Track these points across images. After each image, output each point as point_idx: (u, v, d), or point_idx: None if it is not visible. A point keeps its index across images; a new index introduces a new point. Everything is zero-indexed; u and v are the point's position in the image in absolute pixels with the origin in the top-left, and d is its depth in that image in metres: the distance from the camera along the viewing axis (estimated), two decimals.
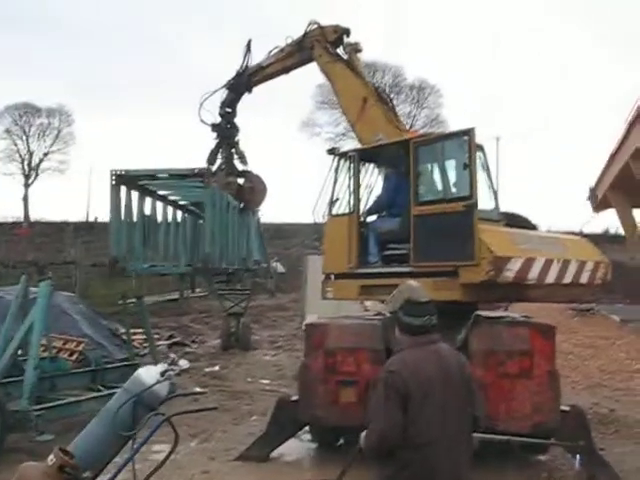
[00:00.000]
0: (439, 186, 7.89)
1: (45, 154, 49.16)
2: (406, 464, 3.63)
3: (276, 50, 10.13)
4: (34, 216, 45.62)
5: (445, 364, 3.77)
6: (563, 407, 7.28)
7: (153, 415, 4.50)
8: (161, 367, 4.71)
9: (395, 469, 3.68)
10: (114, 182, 11.05)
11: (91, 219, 43.25)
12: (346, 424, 7.42)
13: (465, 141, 7.45)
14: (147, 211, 11.88)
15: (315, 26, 9.58)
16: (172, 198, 12.51)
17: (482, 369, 7.06)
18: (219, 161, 10.65)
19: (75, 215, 43.18)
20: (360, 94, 8.90)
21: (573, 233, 21.56)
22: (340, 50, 9.48)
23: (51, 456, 4.19)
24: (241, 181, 10.75)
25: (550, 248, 7.58)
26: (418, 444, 3.59)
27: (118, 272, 11.51)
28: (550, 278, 7.27)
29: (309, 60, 9.82)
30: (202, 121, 10.33)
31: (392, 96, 38.29)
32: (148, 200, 11.87)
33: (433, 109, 45.93)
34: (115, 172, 11.02)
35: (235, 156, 10.63)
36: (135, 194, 11.48)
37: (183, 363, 4.29)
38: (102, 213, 44.11)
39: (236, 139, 10.66)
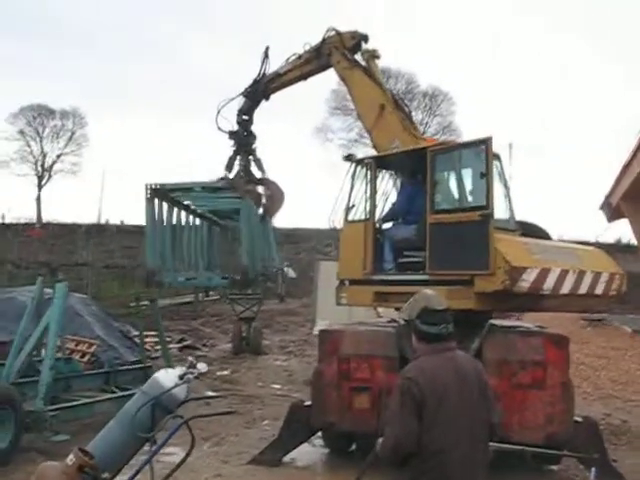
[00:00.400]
0: (455, 195, 7.92)
1: (58, 156, 49.33)
2: (422, 471, 3.62)
3: (293, 57, 10.16)
4: (46, 217, 45.86)
5: (462, 371, 3.78)
6: (576, 418, 7.28)
7: (171, 418, 4.54)
8: (179, 370, 4.73)
9: (411, 476, 3.68)
10: (149, 196, 10.99)
11: (102, 221, 43.49)
12: (359, 430, 7.46)
13: (482, 150, 7.45)
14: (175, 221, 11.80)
15: (333, 32, 9.60)
16: (200, 209, 12.38)
17: (495, 379, 7.04)
18: (236, 168, 10.67)
19: (86, 217, 43.26)
20: (377, 101, 8.91)
21: (587, 243, 21.56)
22: (358, 57, 9.49)
23: (71, 456, 4.23)
24: (260, 189, 10.76)
25: (566, 258, 7.57)
26: (433, 451, 3.59)
27: (155, 284, 11.46)
28: (565, 289, 7.25)
29: (327, 66, 9.84)
30: (219, 129, 10.37)
31: (405, 103, 38.29)
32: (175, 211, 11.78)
33: (445, 116, 45.84)
34: (150, 186, 10.96)
35: (252, 163, 10.65)
36: (165, 205, 11.40)
37: (201, 366, 4.28)
38: (113, 215, 44.49)
39: (253, 146, 10.67)
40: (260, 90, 10.52)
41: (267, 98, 10.74)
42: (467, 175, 7.81)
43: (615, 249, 25.49)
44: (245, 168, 10.53)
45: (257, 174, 10.79)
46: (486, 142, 7.42)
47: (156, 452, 4.41)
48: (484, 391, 3.86)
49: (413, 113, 40.82)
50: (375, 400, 7.38)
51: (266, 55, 10.46)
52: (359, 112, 9.80)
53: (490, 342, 7.31)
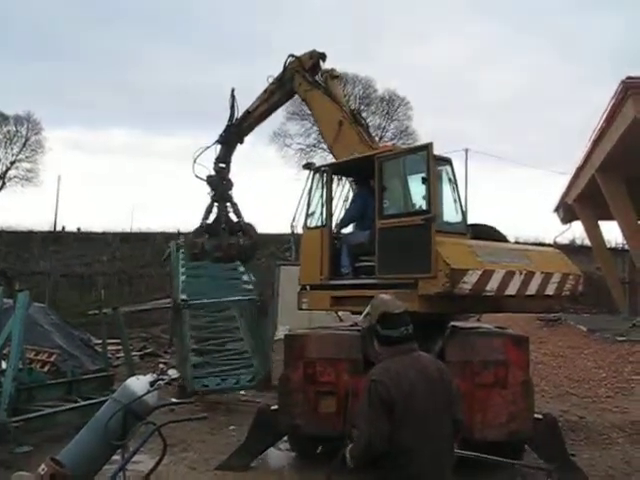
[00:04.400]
0: (402, 200, 8.04)
1: (12, 162, 48.49)
2: (391, 470, 3.71)
3: (260, 93, 10.24)
4: (1, 225, 44.95)
5: (426, 371, 3.88)
6: (536, 415, 7.48)
7: (143, 424, 4.58)
8: (150, 377, 4.77)
9: (380, 476, 3.76)
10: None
11: (59, 228, 42.75)
12: (325, 433, 7.54)
13: (424, 156, 7.61)
14: None
15: (292, 58, 9.75)
16: None
17: (458, 379, 7.11)
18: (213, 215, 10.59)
19: (42, 225, 42.49)
20: (336, 118, 9.07)
21: (545, 245, 22.02)
22: (318, 77, 9.66)
23: (42, 466, 4.25)
24: (240, 237, 10.58)
25: (514, 260, 7.64)
26: (402, 450, 3.68)
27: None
28: (511, 290, 7.33)
29: (292, 92, 9.97)
30: (197, 177, 10.24)
31: (362, 108, 38.52)
32: None
33: (402, 121, 46.31)
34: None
35: (230, 210, 10.61)
36: None
37: (172, 373, 4.34)
38: (70, 223, 43.78)
39: (230, 192, 10.61)
40: (234, 133, 10.48)
41: (241, 141, 10.71)
42: (412, 180, 7.92)
43: (569, 250, 26.06)
44: (226, 218, 10.42)
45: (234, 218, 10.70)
46: (427, 148, 7.58)
47: (129, 459, 4.44)
48: (448, 389, 3.98)
49: (370, 118, 41.23)
50: (341, 403, 7.47)
51: (232, 97, 10.38)
52: (321, 130, 10.11)
53: (452, 343, 7.45)
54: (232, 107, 10.41)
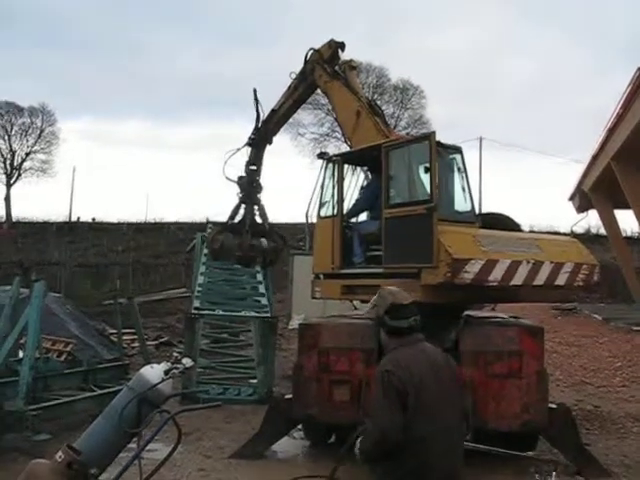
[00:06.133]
0: (407, 189, 8.03)
1: (27, 154, 48.77)
2: (403, 460, 3.71)
3: (284, 90, 10.22)
4: (16, 216, 45.27)
5: (433, 361, 3.89)
6: (550, 405, 7.47)
7: (158, 412, 4.59)
8: (165, 366, 4.78)
9: (392, 466, 3.75)
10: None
11: (74, 219, 43.03)
12: (339, 422, 7.56)
13: (426, 145, 7.58)
14: None
15: (312, 51, 9.72)
16: None
17: (472, 369, 7.24)
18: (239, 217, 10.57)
19: (57, 215, 42.79)
20: (354, 108, 9.02)
21: (559, 234, 21.86)
22: (337, 69, 9.62)
23: (59, 453, 4.26)
24: (263, 241, 10.52)
25: (522, 249, 7.56)
26: (416, 440, 3.67)
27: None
28: (517, 280, 7.26)
29: (314, 85, 9.93)
30: (227, 178, 10.23)
31: (376, 97, 38.37)
32: None
33: (416, 110, 46.13)
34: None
35: (256, 212, 10.58)
36: None
37: (186, 361, 4.34)
38: (85, 213, 44.03)
39: (258, 196, 10.59)
40: (262, 134, 10.46)
41: (270, 141, 10.67)
42: (416, 169, 7.93)
43: (584, 239, 25.89)
44: (251, 221, 10.39)
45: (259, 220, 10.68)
46: (429, 137, 7.58)
47: (144, 447, 4.46)
48: (455, 379, 3.99)
49: (384, 107, 41.03)
50: (354, 392, 7.50)
51: (256, 99, 10.34)
52: (340, 121, 10.06)
53: (467, 333, 7.44)
54: (257, 108, 10.38)
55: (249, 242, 10.25)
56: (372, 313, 4.07)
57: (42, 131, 48.62)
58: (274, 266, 12.34)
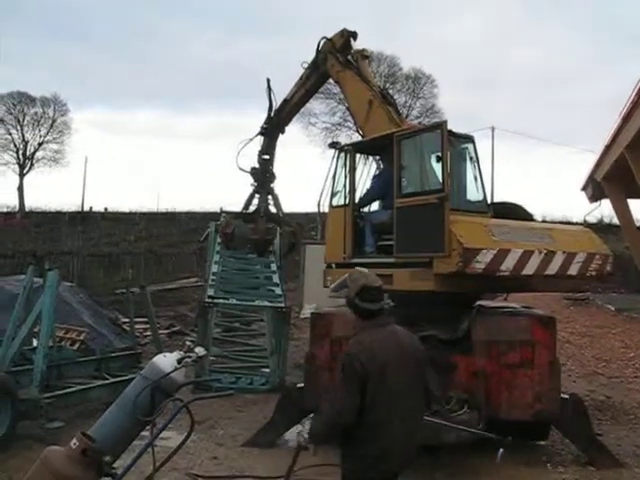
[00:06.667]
0: (418, 179, 7.98)
1: (40, 144, 49.04)
2: (362, 442, 3.77)
3: (297, 80, 10.24)
4: (29, 206, 45.56)
5: (401, 343, 3.95)
6: (562, 395, 7.45)
7: (171, 401, 4.63)
8: (178, 354, 4.81)
9: (351, 448, 3.82)
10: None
11: (86, 209, 43.27)
12: None
13: (438, 134, 7.53)
14: None
15: (324, 40, 9.72)
16: None
17: (484, 359, 7.24)
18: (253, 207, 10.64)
19: (69, 205, 43.04)
20: (366, 98, 8.98)
21: (572, 223, 21.72)
22: (350, 58, 9.60)
23: (74, 440, 4.31)
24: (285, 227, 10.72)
25: (534, 239, 7.50)
26: (375, 423, 3.75)
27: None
28: (529, 270, 7.19)
29: (326, 75, 9.94)
30: (240, 169, 10.31)
31: (387, 86, 38.24)
32: None
33: (428, 99, 46.00)
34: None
35: (270, 202, 10.62)
36: None
37: (199, 350, 4.37)
38: (97, 203, 44.25)
39: (272, 185, 10.65)
40: (275, 124, 10.49)
41: (282, 131, 10.73)
42: (428, 159, 7.87)
43: (597, 228, 25.70)
44: (265, 208, 10.48)
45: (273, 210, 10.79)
46: (441, 126, 7.51)
47: (158, 435, 4.50)
48: (420, 360, 4.03)
49: (396, 96, 40.81)
50: None
51: (269, 88, 10.38)
52: (352, 110, 9.99)
53: (479, 323, 7.42)
54: (270, 98, 10.42)
55: (265, 226, 10.30)
56: (341, 294, 4.12)
57: (54, 121, 49.01)
58: (294, 251, 12.38)
